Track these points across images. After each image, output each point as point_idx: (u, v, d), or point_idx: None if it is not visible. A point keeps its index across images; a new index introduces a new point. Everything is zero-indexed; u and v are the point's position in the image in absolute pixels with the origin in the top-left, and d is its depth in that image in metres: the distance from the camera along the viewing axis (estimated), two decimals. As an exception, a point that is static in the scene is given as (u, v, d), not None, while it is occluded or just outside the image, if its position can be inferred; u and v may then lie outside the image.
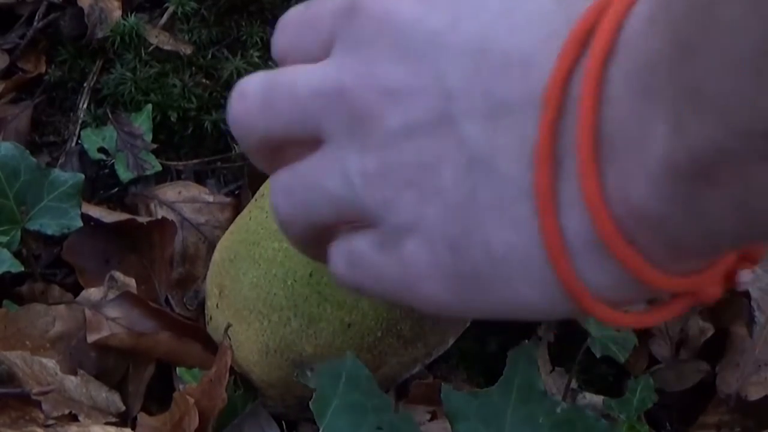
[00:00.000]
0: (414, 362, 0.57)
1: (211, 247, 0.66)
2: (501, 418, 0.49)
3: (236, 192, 0.72)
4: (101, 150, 0.74)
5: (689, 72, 0.31)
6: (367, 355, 0.55)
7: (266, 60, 0.77)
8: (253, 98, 0.44)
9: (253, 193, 0.62)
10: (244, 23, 0.79)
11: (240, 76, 0.75)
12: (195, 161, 0.74)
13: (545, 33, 0.37)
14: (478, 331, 0.62)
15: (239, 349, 0.56)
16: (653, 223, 0.35)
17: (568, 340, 0.63)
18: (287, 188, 0.44)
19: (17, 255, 0.62)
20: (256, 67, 0.76)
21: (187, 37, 0.78)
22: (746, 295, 0.64)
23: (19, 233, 0.64)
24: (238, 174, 0.73)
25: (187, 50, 0.77)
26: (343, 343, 0.54)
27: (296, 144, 0.45)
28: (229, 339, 0.55)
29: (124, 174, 0.72)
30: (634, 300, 0.40)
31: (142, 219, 0.68)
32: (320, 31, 0.43)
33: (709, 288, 0.39)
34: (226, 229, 0.62)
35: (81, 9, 0.78)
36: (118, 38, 0.77)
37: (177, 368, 0.59)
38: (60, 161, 0.74)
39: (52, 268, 0.68)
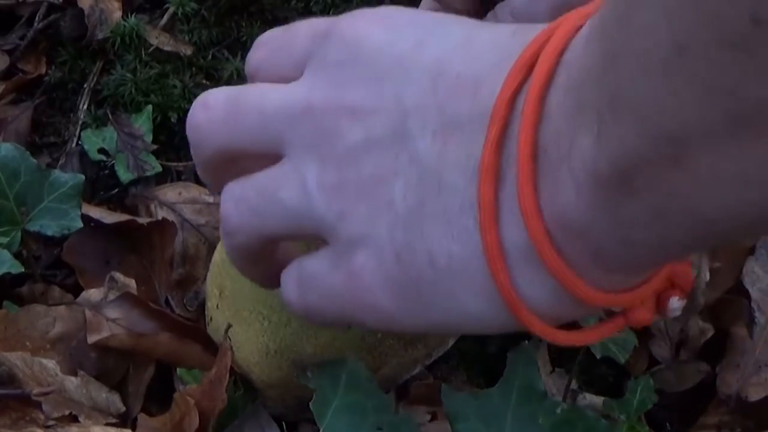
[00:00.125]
0: (414, 363, 0.57)
1: (212, 248, 0.66)
2: (501, 418, 0.49)
3: (236, 193, 0.72)
4: (101, 151, 0.74)
5: (611, 80, 0.33)
6: (367, 356, 0.55)
7: (266, 61, 0.77)
8: (218, 109, 0.46)
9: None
10: (244, 24, 0.79)
11: (240, 76, 0.75)
12: (195, 162, 0.74)
13: (498, 58, 0.39)
14: (479, 332, 0.62)
15: (239, 349, 0.56)
16: (580, 232, 0.37)
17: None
18: (240, 197, 0.45)
19: (17, 256, 0.62)
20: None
21: (187, 38, 0.78)
22: (746, 295, 0.64)
23: (19, 234, 0.64)
24: (238, 175, 0.74)
25: (187, 51, 0.77)
26: (343, 344, 0.54)
27: (253, 158, 0.46)
28: (230, 340, 0.55)
29: (125, 175, 0.72)
30: (570, 316, 0.41)
31: (143, 220, 0.68)
32: (294, 51, 0.45)
33: (640, 311, 0.41)
34: (227, 230, 0.62)
35: (81, 10, 0.78)
36: (119, 39, 0.77)
37: (177, 369, 0.59)
38: (60, 162, 0.74)
39: (52, 269, 0.68)
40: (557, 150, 0.36)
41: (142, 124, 0.74)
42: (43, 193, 0.65)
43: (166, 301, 0.64)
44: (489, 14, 0.54)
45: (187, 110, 0.75)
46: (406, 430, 0.50)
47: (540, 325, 0.40)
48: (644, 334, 0.63)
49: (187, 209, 0.70)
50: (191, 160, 0.75)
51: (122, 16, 0.78)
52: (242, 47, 0.78)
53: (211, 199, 0.70)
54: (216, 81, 0.77)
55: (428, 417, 0.58)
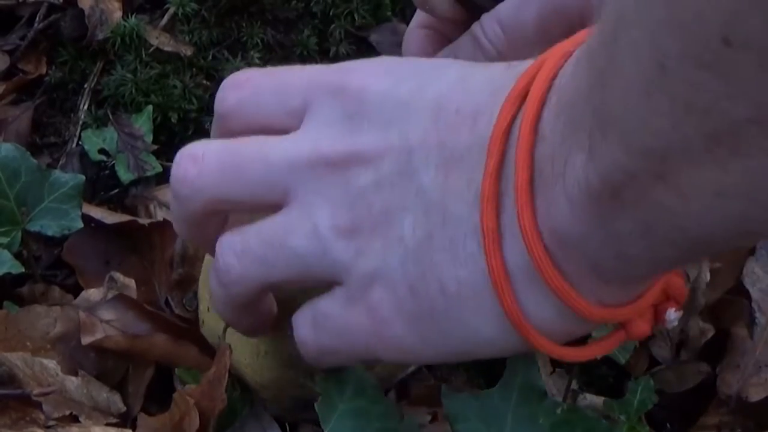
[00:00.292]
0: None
1: (211, 248, 0.65)
2: (501, 419, 0.49)
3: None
4: (102, 151, 0.74)
5: (599, 98, 0.34)
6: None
7: (266, 61, 0.77)
8: (212, 162, 0.46)
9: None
10: (244, 24, 0.79)
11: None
12: (195, 162, 0.74)
13: (493, 91, 0.41)
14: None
15: (232, 351, 0.56)
16: (575, 247, 0.38)
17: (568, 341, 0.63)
18: (243, 249, 0.46)
19: (18, 256, 0.62)
20: (256, 69, 0.76)
21: (187, 38, 0.78)
22: (747, 296, 0.64)
23: (19, 234, 0.64)
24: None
25: (187, 51, 0.77)
26: None
27: (250, 209, 0.47)
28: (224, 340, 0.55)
29: (125, 175, 0.72)
30: (574, 332, 0.43)
31: (143, 220, 0.68)
32: (288, 100, 0.46)
33: (639, 324, 0.43)
34: (226, 230, 0.62)
35: (81, 10, 0.78)
36: (119, 39, 0.77)
37: (176, 369, 0.58)
38: (60, 162, 0.74)
39: (52, 269, 0.68)
40: (552, 169, 0.38)
41: (143, 124, 0.74)
42: (43, 194, 0.65)
43: (166, 302, 0.64)
44: (475, 24, 0.54)
45: (188, 110, 0.76)
46: (410, 435, 0.50)
47: (548, 344, 0.42)
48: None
49: (187, 209, 0.69)
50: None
51: (122, 17, 0.78)
52: (242, 48, 0.78)
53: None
54: (216, 81, 0.76)
55: (428, 417, 0.58)
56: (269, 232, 0.45)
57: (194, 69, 0.77)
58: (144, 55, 0.77)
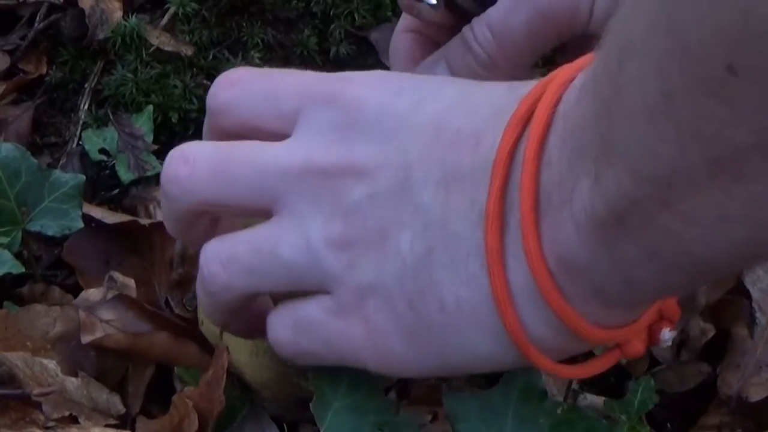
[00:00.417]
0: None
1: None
2: (502, 419, 0.49)
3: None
4: (102, 151, 0.74)
5: (605, 126, 0.35)
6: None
7: (267, 61, 0.77)
8: (203, 163, 0.46)
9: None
10: (245, 24, 0.79)
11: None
12: (196, 162, 0.74)
13: (495, 112, 0.41)
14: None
15: (231, 350, 0.56)
16: (581, 272, 0.39)
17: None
18: (229, 257, 0.46)
19: (18, 256, 0.62)
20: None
21: (188, 38, 0.78)
22: (747, 296, 0.64)
23: (20, 234, 0.64)
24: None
25: (188, 51, 0.77)
26: None
27: (239, 213, 0.47)
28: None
29: (125, 175, 0.72)
30: (573, 351, 0.44)
31: (143, 220, 0.68)
32: (281, 104, 0.46)
33: (634, 344, 0.44)
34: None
35: (82, 10, 0.78)
36: (119, 39, 0.77)
37: (175, 368, 0.58)
38: (61, 162, 0.74)
39: (52, 269, 0.68)
40: (559, 195, 0.38)
41: (143, 124, 0.74)
42: (43, 193, 0.65)
43: (166, 302, 0.64)
44: (465, 27, 0.54)
45: (189, 110, 0.76)
46: (407, 431, 0.50)
47: (546, 362, 0.42)
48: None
49: (187, 209, 0.70)
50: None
51: (123, 17, 0.78)
52: (243, 47, 0.78)
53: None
54: (217, 81, 0.76)
55: (429, 417, 0.58)
56: (258, 241, 0.45)
57: (195, 69, 0.77)
58: (144, 55, 0.77)
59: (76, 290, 0.65)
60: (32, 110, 0.77)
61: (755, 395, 0.60)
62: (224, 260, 0.46)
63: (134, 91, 0.76)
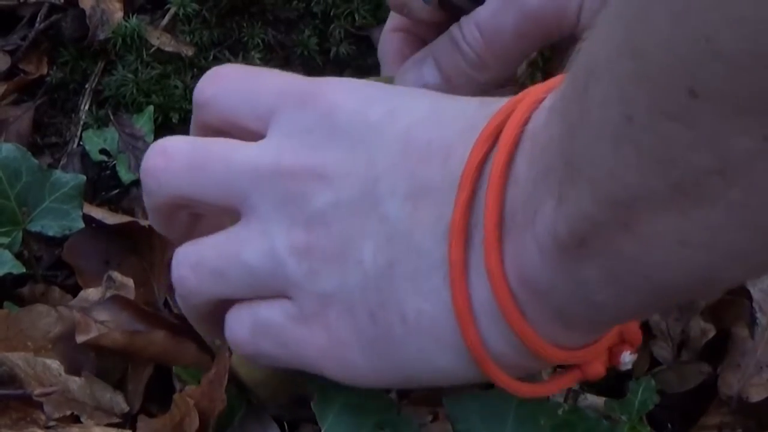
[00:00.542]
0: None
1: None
2: (503, 419, 0.49)
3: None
4: (103, 151, 0.74)
5: (569, 147, 0.35)
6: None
7: (267, 61, 0.77)
8: (180, 157, 0.46)
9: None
10: (245, 24, 0.79)
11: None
12: (196, 163, 0.74)
13: (466, 128, 0.41)
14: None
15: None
16: (542, 293, 0.39)
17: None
18: (198, 261, 0.46)
19: (18, 256, 0.62)
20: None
21: (188, 39, 0.78)
22: (748, 296, 0.64)
23: (20, 234, 0.64)
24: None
25: (188, 51, 0.77)
26: None
27: (208, 211, 0.48)
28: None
29: (126, 175, 0.72)
30: (531, 369, 0.44)
31: (144, 221, 0.68)
32: (258, 104, 0.46)
33: (594, 365, 0.44)
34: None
35: (82, 11, 0.78)
36: (120, 40, 0.77)
37: (173, 367, 0.58)
38: (61, 162, 0.74)
39: (53, 269, 0.68)
40: (524, 214, 0.38)
41: (144, 124, 0.75)
42: (44, 194, 0.65)
43: (165, 303, 0.64)
44: (453, 26, 0.54)
45: (189, 111, 0.76)
46: (408, 431, 0.50)
47: (506, 379, 0.42)
48: (646, 334, 0.63)
49: (188, 210, 0.70)
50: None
51: (123, 17, 0.78)
52: (243, 48, 0.78)
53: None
54: (217, 81, 0.76)
55: (430, 417, 0.58)
56: (224, 244, 0.45)
57: (195, 69, 0.77)
58: (145, 56, 0.77)
59: (76, 291, 0.65)
60: (33, 110, 0.77)
61: (756, 395, 0.60)
62: (193, 263, 0.46)
63: (135, 91, 0.76)
